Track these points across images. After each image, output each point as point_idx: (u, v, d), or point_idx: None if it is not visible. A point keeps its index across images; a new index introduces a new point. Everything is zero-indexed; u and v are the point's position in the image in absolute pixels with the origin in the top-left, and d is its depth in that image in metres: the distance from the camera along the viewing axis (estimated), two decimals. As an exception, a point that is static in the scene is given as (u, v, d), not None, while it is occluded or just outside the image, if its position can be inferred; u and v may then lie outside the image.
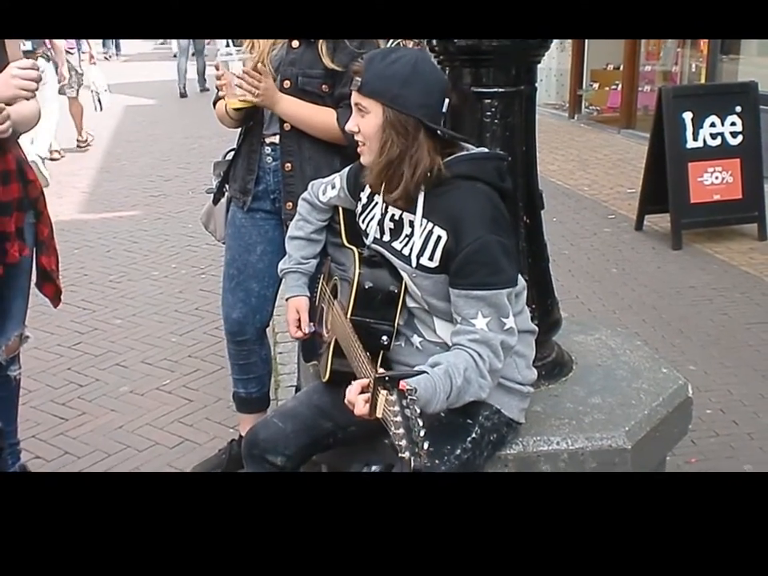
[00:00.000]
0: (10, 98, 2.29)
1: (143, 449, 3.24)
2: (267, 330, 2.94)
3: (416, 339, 2.07)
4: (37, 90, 2.33)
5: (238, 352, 2.89)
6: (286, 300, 2.31)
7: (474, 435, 2.01)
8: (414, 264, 1.98)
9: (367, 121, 1.93)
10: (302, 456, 2.17)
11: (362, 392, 1.72)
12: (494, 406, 2.05)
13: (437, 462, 1.92)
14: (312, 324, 2.27)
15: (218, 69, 2.53)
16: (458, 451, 1.97)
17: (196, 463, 3.05)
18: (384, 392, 1.61)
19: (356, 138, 1.99)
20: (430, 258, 1.95)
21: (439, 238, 1.93)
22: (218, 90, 2.61)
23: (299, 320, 2.27)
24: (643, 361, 2.63)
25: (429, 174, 1.93)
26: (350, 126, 1.99)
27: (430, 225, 1.96)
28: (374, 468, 1.95)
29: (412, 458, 1.53)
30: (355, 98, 1.95)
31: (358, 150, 2.01)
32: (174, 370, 3.91)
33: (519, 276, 2.06)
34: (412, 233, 1.99)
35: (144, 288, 5.00)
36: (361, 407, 1.69)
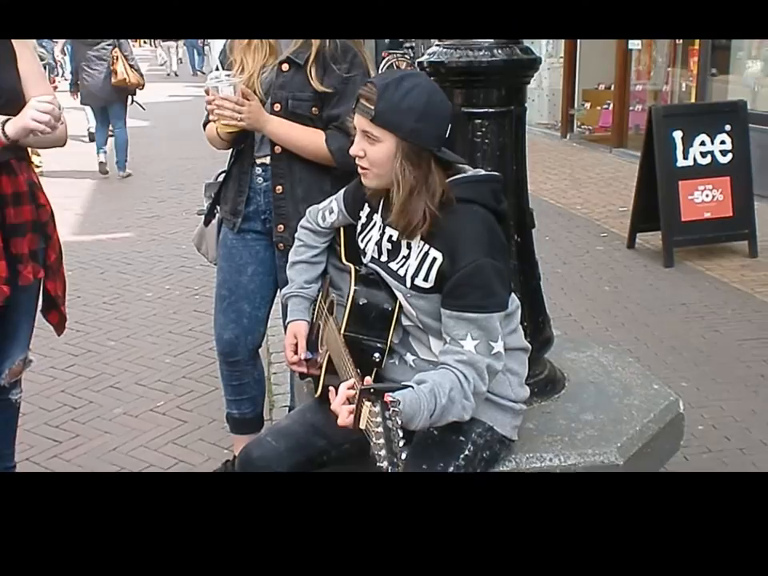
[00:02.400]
0: (23, 128, 2.26)
1: (137, 470, 3.23)
2: (261, 350, 2.94)
3: (409, 357, 2.08)
4: (54, 127, 2.27)
5: (230, 373, 2.90)
6: (286, 324, 2.29)
7: (466, 452, 2.01)
8: (408, 284, 1.99)
9: (378, 149, 1.91)
10: (295, 475, 2.17)
11: (349, 403, 1.72)
12: (487, 423, 2.06)
13: (430, 479, 1.93)
14: (309, 352, 2.24)
15: (207, 93, 2.53)
16: (451, 468, 1.98)
17: (190, 484, 3.04)
18: (368, 403, 1.62)
19: (359, 162, 1.97)
20: (425, 279, 1.96)
21: (434, 259, 1.94)
22: (208, 114, 2.62)
23: (296, 345, 2.24)
24: (635, 377, 2.65)
25: (441, 200, 1.93)
26: (354, 151, 1.96)
27: (426, 246, 1.96)
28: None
29: (390, 468, 1.54)
30: (364, 125, 1.91)
31: (361, 173, 1.99)
32: (168, 391, 3.90)
33: (513, 295, 2.07)
34: (409, 254, 2.00)
35: (138, 309, 5.00)
36: (345, 418, 1.69)
